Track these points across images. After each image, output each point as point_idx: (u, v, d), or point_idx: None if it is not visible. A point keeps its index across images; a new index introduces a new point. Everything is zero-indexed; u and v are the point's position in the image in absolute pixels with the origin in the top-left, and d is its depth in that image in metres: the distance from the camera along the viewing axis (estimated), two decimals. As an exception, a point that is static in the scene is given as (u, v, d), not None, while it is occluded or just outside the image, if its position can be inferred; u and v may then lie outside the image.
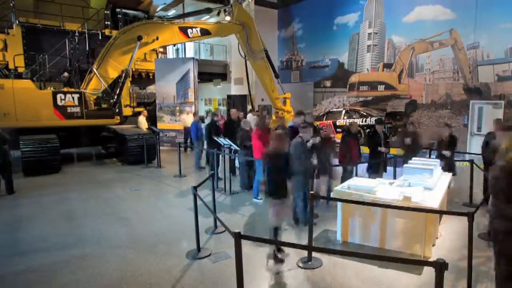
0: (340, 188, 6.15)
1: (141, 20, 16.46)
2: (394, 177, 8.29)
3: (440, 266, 2.87)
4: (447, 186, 6.53)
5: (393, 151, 11.27)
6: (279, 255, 5.20)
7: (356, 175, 8.47)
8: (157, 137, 13.29)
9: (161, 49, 19.47)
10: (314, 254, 5.30)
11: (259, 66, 16.96)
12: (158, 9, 21.66)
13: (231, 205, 8.29)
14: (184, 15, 18.83)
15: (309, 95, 21.16)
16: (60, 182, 10.47)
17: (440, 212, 5.76)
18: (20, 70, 13.93)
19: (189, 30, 14.62)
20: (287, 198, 5.37)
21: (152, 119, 17.16)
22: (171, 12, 22.52)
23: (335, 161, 8.54)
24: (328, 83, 20.13)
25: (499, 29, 12.97)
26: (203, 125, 12.85)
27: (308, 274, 4.92)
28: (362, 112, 15.52)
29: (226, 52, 24.04)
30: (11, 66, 14.33)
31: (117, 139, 14.05)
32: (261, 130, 8.35)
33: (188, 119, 15.06)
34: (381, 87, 17.27)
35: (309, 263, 5.17)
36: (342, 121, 15.00)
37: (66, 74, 13.83)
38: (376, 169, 8.95)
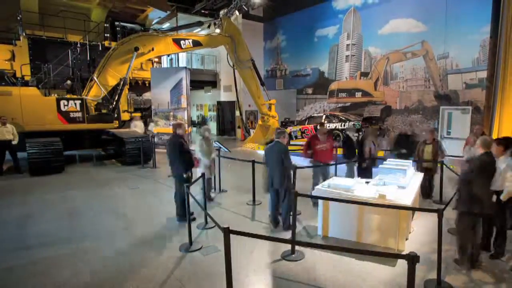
0: (321, 187, 6.15)
1: (138, 32, 16.33)
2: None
3: (412, 259, 2.91)
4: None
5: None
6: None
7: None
8: (153, 140, 13.21)
9: (156, 59, 19.34)
10: (297, 247, 5.30)
11: (246, 75, 17.01)
12: (154, 22, 21.52)
13: (221, 202, 8.25)
14: (177, 28, 18.84)
15: (292, 101, 21.24)
16: (63, 182, 10.33)
17: (413, 209, 5.81)
18: (27, 78, 13.90)
19: (182, 42, 14.65)
20: None
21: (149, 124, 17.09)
22: (166, 25, 22.38)
23: None
24: (309, 90, 20.19)
25: (466, 41, 13.10)
26: None
27: (292, 266, 4.92)
28: (341, 117, 15.61)
29: (216, 62, 24.10)
30: (18, 74, 14.27)
31: (116, 141, 13.91)
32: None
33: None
34: (358, 94, 17.38)
35: (293, 255, 5.17)
36: (323, 125, 15.05)
37: (69, 82, 13.72)
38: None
